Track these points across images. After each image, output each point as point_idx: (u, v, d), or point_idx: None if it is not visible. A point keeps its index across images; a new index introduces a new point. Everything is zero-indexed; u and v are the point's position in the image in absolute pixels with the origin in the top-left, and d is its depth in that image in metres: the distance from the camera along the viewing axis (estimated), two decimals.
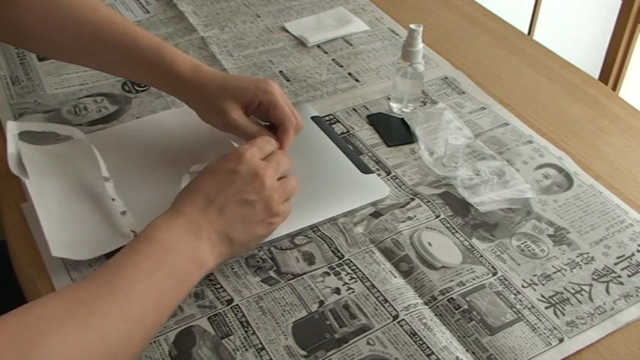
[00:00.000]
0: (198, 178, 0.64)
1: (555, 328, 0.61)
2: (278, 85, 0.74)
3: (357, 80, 0.94)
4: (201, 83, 0.73)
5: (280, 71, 0.96)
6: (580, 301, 0.63)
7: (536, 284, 0.65)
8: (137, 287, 0.54)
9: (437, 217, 0.72)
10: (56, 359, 0.46)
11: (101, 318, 0.50)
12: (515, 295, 0.64)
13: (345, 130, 0.84)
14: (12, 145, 0.73)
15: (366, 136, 0.83)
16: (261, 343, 0.59)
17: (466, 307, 0.62)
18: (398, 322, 0.61)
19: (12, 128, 0.74)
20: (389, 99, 0.89)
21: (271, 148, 0.67)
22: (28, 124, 0.77)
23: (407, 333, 0.60)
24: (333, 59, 0.98)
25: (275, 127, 0.73)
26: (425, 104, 0.89)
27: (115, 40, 0.74)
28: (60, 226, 0.68)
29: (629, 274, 0.66)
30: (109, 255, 0.66)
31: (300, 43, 1.02)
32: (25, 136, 0.75)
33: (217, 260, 0.62)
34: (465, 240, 0.69)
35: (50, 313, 0.49)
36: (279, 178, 0.66)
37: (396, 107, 0.87)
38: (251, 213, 0.63)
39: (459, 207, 0.73)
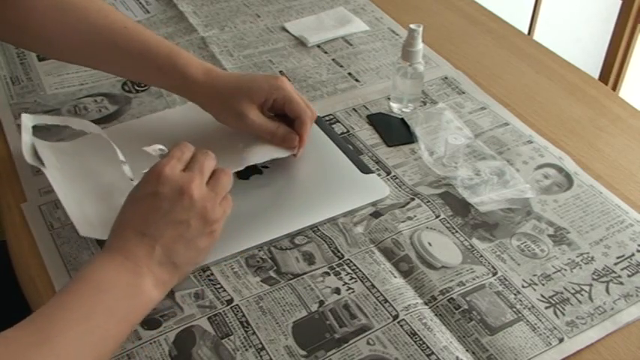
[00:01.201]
0: (124, 210, 0.60)
1: (555, 328, 0.61)
2: (287, 79, 0.74)
3: (357, 80, 0.94)
4: (214, 86, 0.73)
5: (280, 71, 0.95)
6: (580, 301, 0.63)
7: (536, 284, 0.65)
8: (72, 333, 0.51)
9: (437, 217, 0.72)
10: None
11: None
12: (515, 295, 0.64)
13: (345, 130, 0.84)
14: (27, 136, 0.72)
15: (366, 136, 0.83)
16: (261, 343, 0.59)
17: (466, 307, 0.62)
18: (398, 322, 0.61)
19: (26, 121, 0.73)
20: (389, 99, 0.89)
21: (190, 153, 0.63)
22: (42, 117, 0.76)
23: (407, 333, 0.60)
24: (333, 59, 0.98)
25: (290, 119, 0.74)
26: (425, 104, 0.89)
27: (127, 46, 0.74)
28: (82, 208, 0.68)
29: (629, 274, 0.66)
30: None
31: (300, 43, 1.02)
32: (38, 131, 0.75)
33: (164, 289, 0.60)
34: (465, 240, 0.69)
35: None
36: (208, 181, 0.62)
37: (396, 107, 0.87)
38: (187, 231, 0.59)
39: (459, 207, 0.73)
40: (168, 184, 0.59)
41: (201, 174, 0.61)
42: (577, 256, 0.68)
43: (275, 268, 0.66)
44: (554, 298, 0.64)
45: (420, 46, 0.81)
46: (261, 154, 0.73)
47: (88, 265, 0.57)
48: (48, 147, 0.75)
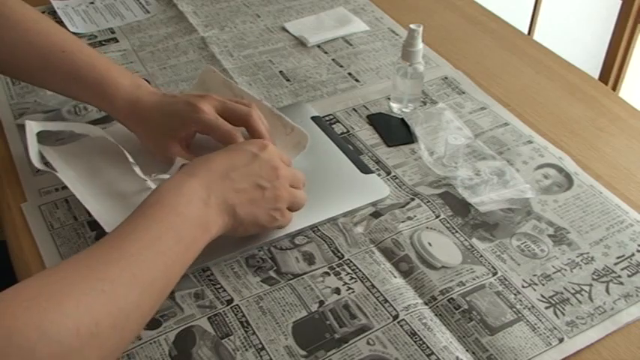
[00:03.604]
0: (217, 152, 0.65)
1: (555, 328, 0.61)
2: (213, 98, 0.72)
3: (357, 80, 0.94)
4: (138, 120, 0.74)
5: (280, 71, 0.96)
6: (580, 301, 0.63)
7: (536, 284, 0.65)
8: (147, 252, 0.54)
9: (437, 217, 0.72)
10: (69, 323, 0.46)
11: (112, 282, 0.51)
12: (515, 295, 0.64)
13: (345, 130, 0.84)
14: (33, 143, 0.73)
15: (366, 136, 0.83)
16: (261, 343, 0.59)
17: (466, 307, 0.62)
18: (398, 322, 0.61)
19: (30, 128, 0.74)
20: (389, 99, 0.89)
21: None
22: (45, 123, 0.76)
23: (407, 333, 0.60)
24: (333, 59, 0.98)
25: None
26: (425, 104, 0.89)
27: (61, 70, 0.75)
28: (102, 204, 0.69)
29: (629, 274, 0.66)
30: None
31: (300, 43, 1.02)
32: (42, 137, 0.75)
33: (221, 229, 0.61)
34: (465, 240, 0.69)
35: (62, 278, 0.50)
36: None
37: (396, 107, 0.87)
38: (259, 197, 0.63)
39: (459, 207, 0.73)
40: (268, 155, 0.65)
41: (293, 176, 0.68)
42: (577, 256, 0.68)
43: (275, 268, 0.66)
44: (554, 298, 0.64)
45: (420, 46, 0.81)
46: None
47: (161, 188, 0.59)
48: (54, 151, 0.75)
